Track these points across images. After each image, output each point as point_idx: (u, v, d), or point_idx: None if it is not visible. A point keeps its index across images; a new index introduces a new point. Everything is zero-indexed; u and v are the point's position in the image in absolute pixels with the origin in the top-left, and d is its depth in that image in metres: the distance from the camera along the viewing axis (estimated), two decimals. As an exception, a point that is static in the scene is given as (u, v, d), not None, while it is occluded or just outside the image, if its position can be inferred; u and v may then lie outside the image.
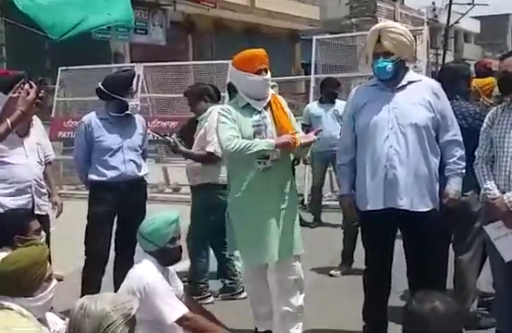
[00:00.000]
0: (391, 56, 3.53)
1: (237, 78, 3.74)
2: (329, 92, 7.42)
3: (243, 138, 3.61)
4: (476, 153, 3.59)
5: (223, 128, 3.64)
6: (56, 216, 4.56)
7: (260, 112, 3.70)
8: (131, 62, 13.87)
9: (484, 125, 3.59)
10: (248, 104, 3.71)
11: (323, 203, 7.96)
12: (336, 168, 4.03)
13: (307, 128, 6.62)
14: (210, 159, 4.68)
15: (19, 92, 3.02)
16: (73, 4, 6.91)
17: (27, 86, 3.06)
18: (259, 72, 3.63)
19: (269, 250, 3.67)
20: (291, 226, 3.74)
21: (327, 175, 8.14)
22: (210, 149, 4.63)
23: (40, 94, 3.17)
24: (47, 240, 4.04)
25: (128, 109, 4.39)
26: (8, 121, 2.98)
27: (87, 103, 9.66)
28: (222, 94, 5.46)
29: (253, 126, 3.65)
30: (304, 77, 12.23)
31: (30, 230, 3.47)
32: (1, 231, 3.48)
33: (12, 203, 4.03)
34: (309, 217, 7.53)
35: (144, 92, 10.31)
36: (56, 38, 6.77)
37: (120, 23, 7.21)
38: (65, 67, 10.57)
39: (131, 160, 4.40)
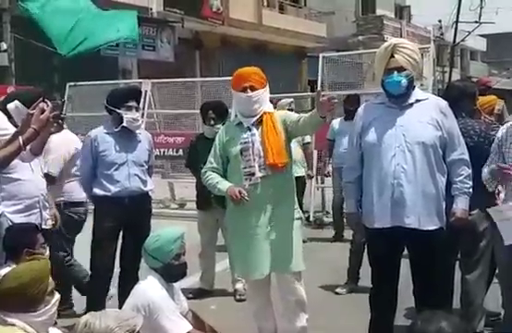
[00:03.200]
0: (404, 72, 3.51)
1: (233, 96, 3.96)
2: (346, 110, 7.32)
3: (231, 155, 3.75)
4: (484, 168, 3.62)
5: (210, 154, 3.88)
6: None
7: (249, 129, 3.74)
8: (139, 78, 13.95)
9: (494, 143, 3.64)
10: (241, 121, 3.80)
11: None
12: (343, 186, 4.00)
13: (331, 142, 7.45)
14: (47, 180, 4.48)
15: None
16: (82, 17, 7.00)
17: (42, 104, 3.08)
18: (243, 90, 3.73)
19: (258, 265, 3.66)
20: (286, 242, 3.70)
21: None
22: (45, 170, 4.46)
23: (62, 115, 3.19)
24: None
25: (122, 122, 4.35)
26: (21, 139, 2.99)
27: (94, 118, 9.70)
28: (230, 110, 5.46)
29: (241, 143, 3.72)
30: (310, 94, 12.22)
31: (37, 243, 3.48)
32: (10, 246, 3.48)
33: (23, 219, 3.91)
34: (310, 233, 7.48)
35: (151, 108, 10.37)
36: (65, 54, 6.84)
37: (126, 40, 7.30)
38: (73, 83, 10.65)
39: (136, 175, 4.39)
